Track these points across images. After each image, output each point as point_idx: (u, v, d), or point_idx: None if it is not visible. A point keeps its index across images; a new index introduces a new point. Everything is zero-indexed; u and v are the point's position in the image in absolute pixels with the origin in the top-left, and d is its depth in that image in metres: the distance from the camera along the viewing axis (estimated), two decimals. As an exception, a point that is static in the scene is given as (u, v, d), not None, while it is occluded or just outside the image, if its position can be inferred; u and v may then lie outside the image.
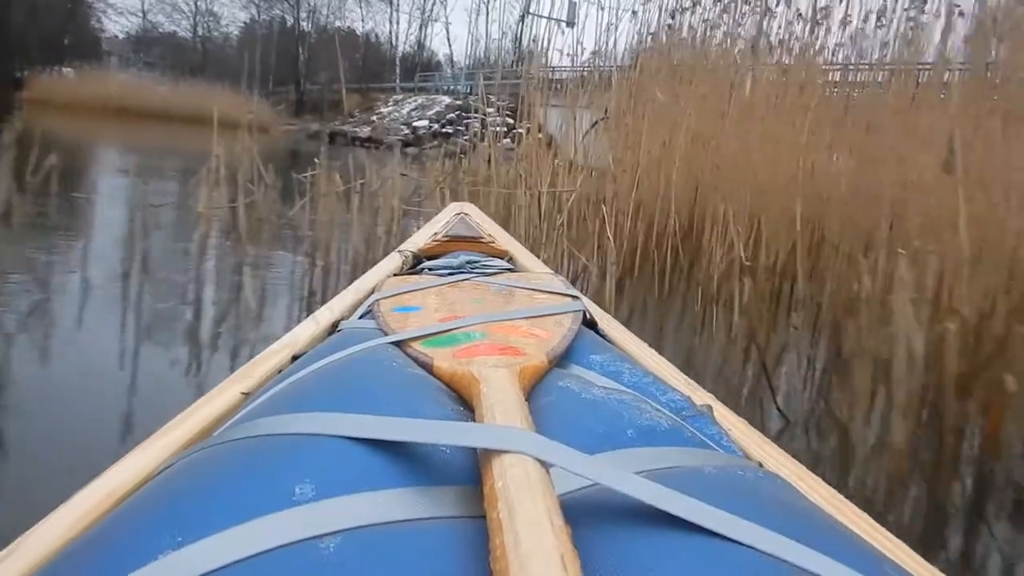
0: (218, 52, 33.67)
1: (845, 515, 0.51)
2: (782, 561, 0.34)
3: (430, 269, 1.17)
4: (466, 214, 1.73)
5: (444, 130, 16.18)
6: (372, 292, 1.01)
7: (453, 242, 1.44)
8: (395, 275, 1.17)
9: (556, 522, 0.31)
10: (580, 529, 0.33)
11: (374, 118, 24.05)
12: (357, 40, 35.22)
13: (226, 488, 0.39)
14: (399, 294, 0.94)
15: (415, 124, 20.79)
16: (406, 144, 17.05)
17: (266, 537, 0.34)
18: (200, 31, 34.13)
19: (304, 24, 34.40)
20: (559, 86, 5.03)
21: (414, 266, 1.29)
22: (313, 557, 0.33)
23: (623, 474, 0.39)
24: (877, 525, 0.51)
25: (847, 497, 0.56)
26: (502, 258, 1.36)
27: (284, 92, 31.94)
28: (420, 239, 1.48)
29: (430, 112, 21.97)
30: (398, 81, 30.95)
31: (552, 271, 1.26)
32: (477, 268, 1.15)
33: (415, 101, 24.59)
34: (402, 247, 1.39)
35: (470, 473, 0.40)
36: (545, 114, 4.52)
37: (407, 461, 0.41)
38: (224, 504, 0.37)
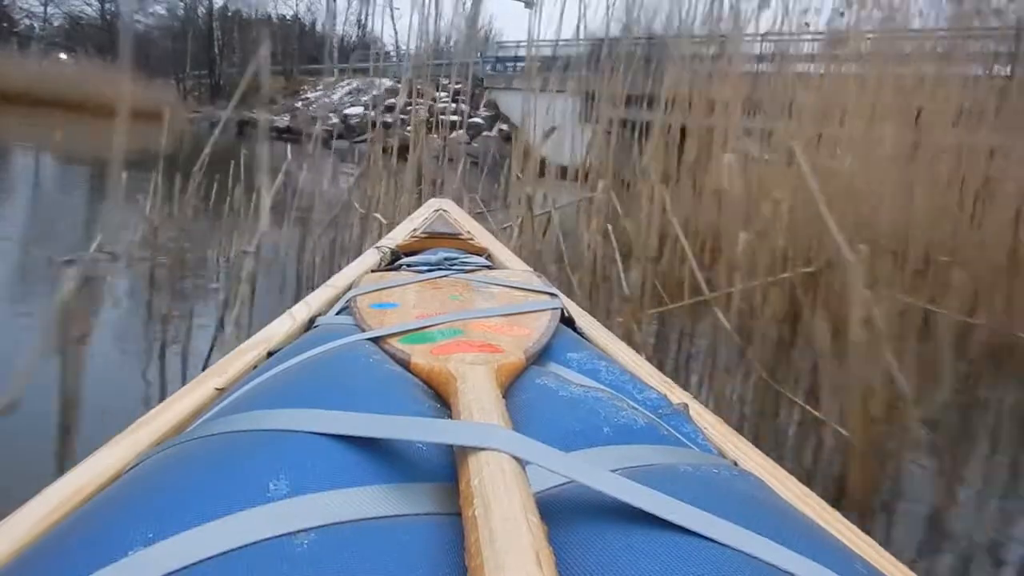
0: (128, 32, 30.88)
1: (817, 513, 0.51)
2: (755, 558, 0.34)
3: (408, 265, 1.16)
4: (444, 210, 1.70)
5: (384, 119, 14.07)
6: (349, 288, 0.99)
7: (431, 238, 1.42)
8: (373, 271, 1.16)
9: (532, 519, 0.30)
10: (556, 526, 0.33)
11: (298, 104, 21.55)
12: (294, 20, 32.92)
13: (199, 484, 0.38)
14: (377, 290, 0.92)
15: (347, 112, 18.13)
16: (335, 136, 15.03)
17: (239, 533, 0.33)
18: (108, 7, 31.20)
19: (227, 3, 31.78)
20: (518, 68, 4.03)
21: (392, 262, 1.27)
22: (287, 554, 0.32)
23: (599, 472, 0.38)
24: (848, 522, 0.51)
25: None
26: (480, 255, 1.34)
27: (199, 76, 29.60)
28: (398, 235, 1.47)
29: (366, 97, 18.82)
30: (334, 62, 27.44)
31: (530, 268, 1.24)
32: (456, 265, 1.13)
33: (349, 85, 21.90)
34: (380, 243, 1.38)
35: (446, 470, 0.40)
36: (531, 105, 3.61)
37: (383, 458, 0.41)
38: (197, 500, 0.36)
